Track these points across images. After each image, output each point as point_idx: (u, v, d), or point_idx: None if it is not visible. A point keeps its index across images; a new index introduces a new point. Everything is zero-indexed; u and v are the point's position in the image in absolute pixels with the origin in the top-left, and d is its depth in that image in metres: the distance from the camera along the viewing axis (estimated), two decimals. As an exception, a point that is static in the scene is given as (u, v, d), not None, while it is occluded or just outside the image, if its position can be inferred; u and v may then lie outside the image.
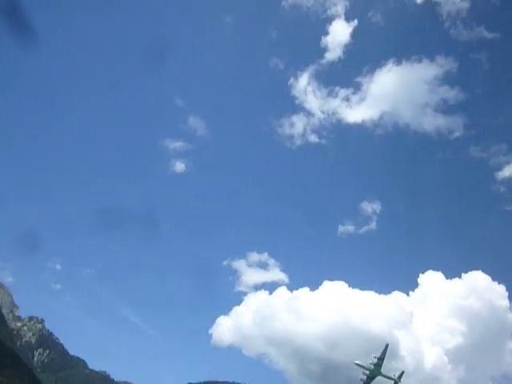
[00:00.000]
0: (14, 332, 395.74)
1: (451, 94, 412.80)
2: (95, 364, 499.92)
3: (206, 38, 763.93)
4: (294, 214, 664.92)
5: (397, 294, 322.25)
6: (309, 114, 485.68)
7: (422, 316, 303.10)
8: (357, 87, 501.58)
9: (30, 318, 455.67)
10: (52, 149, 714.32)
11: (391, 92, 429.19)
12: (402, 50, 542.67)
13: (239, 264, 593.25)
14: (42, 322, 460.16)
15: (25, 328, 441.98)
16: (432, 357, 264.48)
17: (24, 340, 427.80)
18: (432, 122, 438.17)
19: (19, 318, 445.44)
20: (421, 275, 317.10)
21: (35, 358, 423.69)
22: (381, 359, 77.77)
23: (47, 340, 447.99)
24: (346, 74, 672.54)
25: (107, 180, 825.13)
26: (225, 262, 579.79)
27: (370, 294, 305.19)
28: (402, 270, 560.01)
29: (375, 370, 78.42)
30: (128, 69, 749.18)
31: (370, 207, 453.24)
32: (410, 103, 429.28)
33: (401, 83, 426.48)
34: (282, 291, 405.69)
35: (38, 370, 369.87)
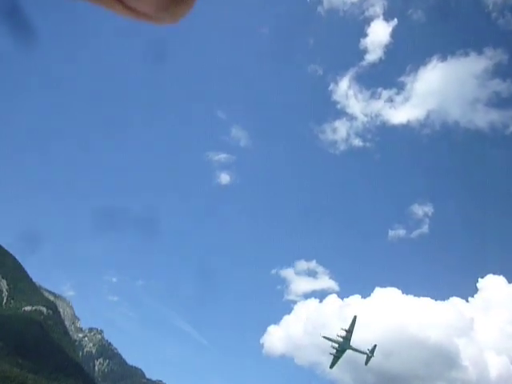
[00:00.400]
0: (76, 343, 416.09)
1: (503, 86, 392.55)
2: (152, 373, 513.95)
3: (244, 49, 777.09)
4: (342, 219, 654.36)
5: (455, 300, 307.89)
6: (351, 117, 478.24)
7: (483, 323, 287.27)
8: (400, 87, 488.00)
9: (91, 329, 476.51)
10: (104, 169, 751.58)
11: (437, 89, 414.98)
12: (447, 46, 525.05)
13: (287, 273, 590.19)
14: (101, 332, 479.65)
15: (86, 339, 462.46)
16: (497, 366, 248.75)
17: (85, 350, 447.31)
18: (484, 118, 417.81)
19: (80, 330, 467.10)
20: (480, 280, 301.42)
21: (96, 368, 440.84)
22: (349, 332, 74.53)
23: (107, 350, 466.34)
24: (387, 75, 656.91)
25: (156, 195, 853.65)
26: (273, 271, 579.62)
27: (426, 301, 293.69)
28: (459, 275, 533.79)
29: (344, 344, 74.95)
30: (170, 84, 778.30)
31: (421, 210, 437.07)
32: (458, 100, 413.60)
33: (447, 80, 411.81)
34: (333, 299, 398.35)
35: (99, 380, 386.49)
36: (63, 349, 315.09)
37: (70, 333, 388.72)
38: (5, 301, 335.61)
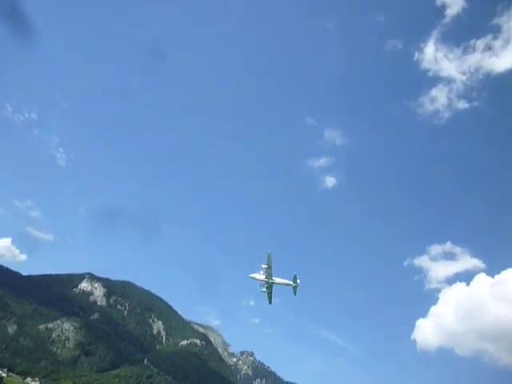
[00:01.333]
0: (232, 367, 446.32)
1: None
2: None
3: (311, 40, 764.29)
4: (464, 189, 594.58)
5: None
6: (448, 81, 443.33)
7: None
8: (496, 31, 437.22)
9: (242, 353, 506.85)
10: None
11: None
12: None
13: (422, 260, 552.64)
14: (252, 354, 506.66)
15: (240, 362, 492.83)
16: None
17: (242, 373, 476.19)
18: None
19: (233, 354, 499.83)
20: None
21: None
22: (269, 268, 78.07)
23: (261, 370, 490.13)
24: (476, 23, 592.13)
25: (272, 215, 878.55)
26: (405, 263, 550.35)
27: None
28: None
29: (269, 280, 79.51)
30: (261, 96, 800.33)
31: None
32: None
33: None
34: (481, 278, 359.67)
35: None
36: (222, 374, 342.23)
37: (225, 359, 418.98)
38: (164, 339, 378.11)
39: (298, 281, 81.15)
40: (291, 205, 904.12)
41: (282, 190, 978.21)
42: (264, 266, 79.41)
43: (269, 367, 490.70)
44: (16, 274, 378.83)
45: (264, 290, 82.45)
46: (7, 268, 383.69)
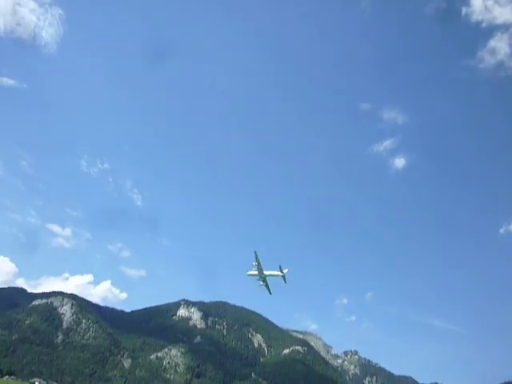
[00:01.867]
0: (339, 369, 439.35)
1: None
2: (423, 378, 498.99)
3: (347, 21, 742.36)
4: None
5: None
6: (506, 27, 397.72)
7: None
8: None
9: (346, 353, 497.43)
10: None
11: None
12: None
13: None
14: (356, 353, 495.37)
15: (345, 363, 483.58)
16: None
17: (350, 373, 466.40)
18: None
19: (337, 356, 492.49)
20: None
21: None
22: (258, 264, 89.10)
23: (369, 368, 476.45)
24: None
25: (342, 208, 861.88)
26: (501, 230, 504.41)
27: None
28: None
29: (261, 274, 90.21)
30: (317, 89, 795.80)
31: None
32: None
33: None
34: None
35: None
36: (330, 377, 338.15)
37: (329, 361, 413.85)
38: (266, 351, 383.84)
39: (285, 270, 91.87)
40: (362, 194, 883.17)
41: (349, 184, 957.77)
42: (254, 264, 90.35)
43: (377, 363, 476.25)
44: (121, 312, 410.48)
45: (261, 283, 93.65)
46: (112, 308, 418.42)
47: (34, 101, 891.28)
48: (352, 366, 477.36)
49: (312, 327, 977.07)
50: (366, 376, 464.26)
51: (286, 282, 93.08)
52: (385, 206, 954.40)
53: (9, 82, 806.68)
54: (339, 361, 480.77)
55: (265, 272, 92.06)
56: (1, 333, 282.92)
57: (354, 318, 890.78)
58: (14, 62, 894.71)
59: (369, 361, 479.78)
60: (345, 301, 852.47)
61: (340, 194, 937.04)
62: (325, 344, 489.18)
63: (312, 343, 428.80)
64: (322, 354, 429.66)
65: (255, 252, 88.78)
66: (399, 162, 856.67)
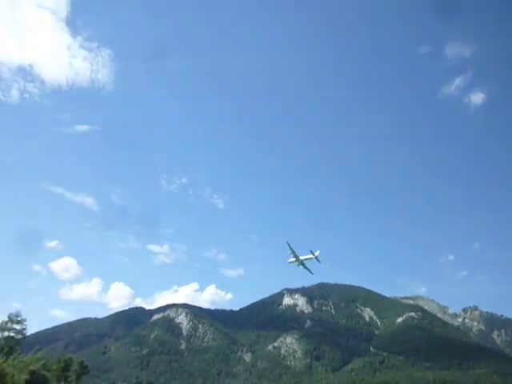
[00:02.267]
0: (461, 327, 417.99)
1: None
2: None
3: None
4: None
5: None
6: None
7: None
8: None
9: (464, 310, 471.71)
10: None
11: None
12: None
13: None
14: (476, 308, 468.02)
15: (466, 320, 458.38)
16: None
17: (474, 330, 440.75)
18: None
19: (455, 315, 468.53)
20: None
21: (497, 341, 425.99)
22: (293, 252, 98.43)
23: (495, 321, 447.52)
24: None
25: (423, 159, 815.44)
26: None
27: None
28: None
29: (298, 260, 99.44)
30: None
31: None
32: None
33: None
34: None
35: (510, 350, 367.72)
36: (453, 338, 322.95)
37: (449, 322, 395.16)
38: (379, 323, 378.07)
39: (317, 252, 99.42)
40: (447, 141, 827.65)
41: (428, 134, 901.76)
42: (290, 253, 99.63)
43: (502, 315, 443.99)
44: (231, 312, 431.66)
45: (301, 267, 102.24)
46: (222, 309, 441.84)
47: (108, 138, 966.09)
48: (475, 323, 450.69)
49: (421, 291, 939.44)
50: (492, 330, 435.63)
51: (319, 261, 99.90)
52: (472, 147, 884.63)
53: (82, 127, 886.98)
54: (459, 319, 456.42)
55: (300, 257, 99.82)
56: (133, 349, 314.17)
57: (465, 272, 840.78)
58: (81, 108, 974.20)
59: (492, 314, 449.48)
60: (451, 257, 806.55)
61: (421, 145, 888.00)
62: (439, 305, 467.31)
63: (425, 307, 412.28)
64: (439, 315, 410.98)
65: (288, 242, 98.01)
66: (477, 98, 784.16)
